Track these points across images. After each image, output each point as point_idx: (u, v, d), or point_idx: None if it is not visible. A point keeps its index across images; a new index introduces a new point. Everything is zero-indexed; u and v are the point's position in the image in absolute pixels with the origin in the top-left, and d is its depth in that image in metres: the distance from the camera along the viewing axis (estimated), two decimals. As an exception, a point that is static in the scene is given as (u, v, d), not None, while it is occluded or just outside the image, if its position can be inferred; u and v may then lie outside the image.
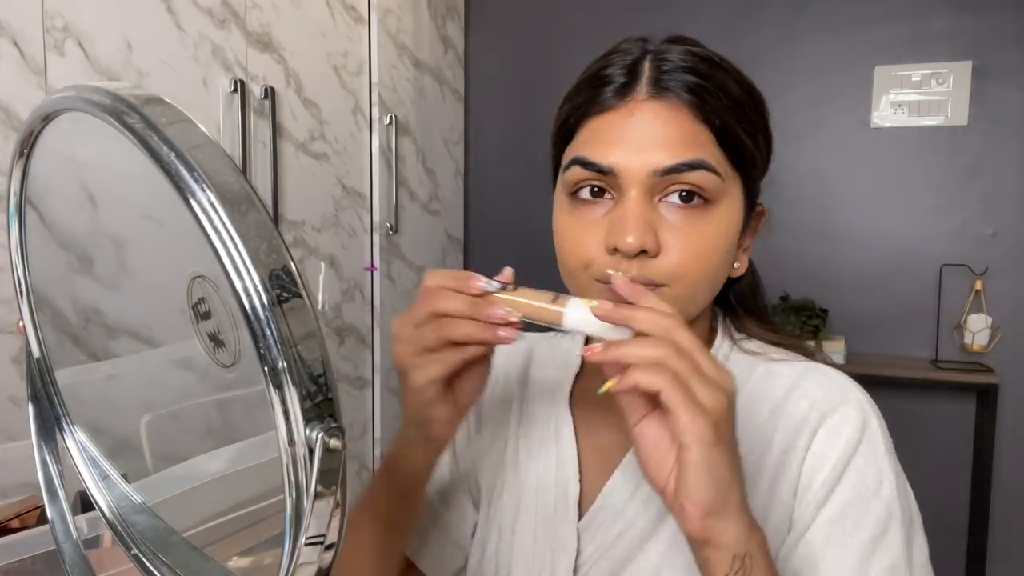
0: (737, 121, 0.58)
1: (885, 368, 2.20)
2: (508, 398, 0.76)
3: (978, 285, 2.27)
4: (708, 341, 0.69)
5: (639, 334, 0.48)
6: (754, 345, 0.69)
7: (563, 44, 2.61)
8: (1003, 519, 2.26)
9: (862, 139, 2.38)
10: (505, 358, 0.79)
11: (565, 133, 0.63)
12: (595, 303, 0.50)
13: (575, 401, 0.72)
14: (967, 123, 2.28)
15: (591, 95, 0.59)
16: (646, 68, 0.58)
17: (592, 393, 0.71)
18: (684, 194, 0.57)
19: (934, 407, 2.33)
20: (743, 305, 0.71)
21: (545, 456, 0.70)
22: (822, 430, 0.61)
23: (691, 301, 0.60)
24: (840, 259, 2.41)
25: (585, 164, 0.58)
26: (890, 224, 2.37)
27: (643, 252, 0.56)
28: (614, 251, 0.57)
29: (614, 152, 0.57)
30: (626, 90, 0.58)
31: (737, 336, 0.70)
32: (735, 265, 0.64)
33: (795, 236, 2.41)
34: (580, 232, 0.59)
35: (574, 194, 0.60)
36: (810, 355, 0.69)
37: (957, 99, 2.28)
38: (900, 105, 2.34)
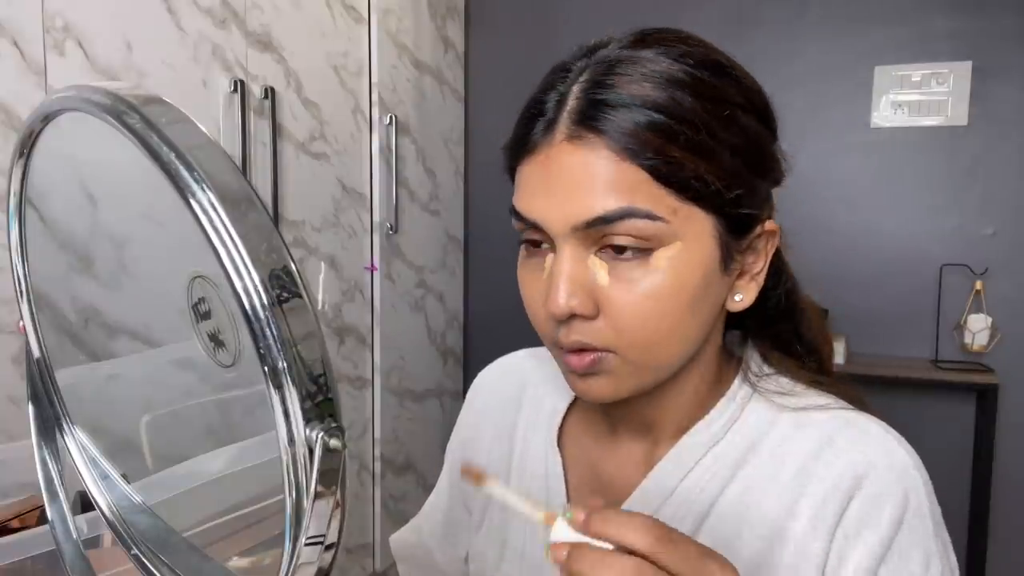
0: (685, 148, 0.48)
1: (885, 368, 2.20)
2: (505, 422, 0.72)
3: (978, 285, 2.26)
4: (719, 384, 0.60)
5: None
6: (782, 383, 0.60)
7: (563, 44, 2.60)
8: (1003, 519, 2.26)
9: (862, 139, 2.38)
10: (499, 377, 0.76)
11: (511, 172, 0.56)
12: (570, 515, 0.41)
13: (565, 434, 0.67)
14: (967, 123, 2.27)
15: (521, 132, 0.53)
16: (570, 101, 0.50)
17: (583, 426, 0.66)
18: (617, 249, 0.49)
19: (934, 407, 2.33)
20: (771, 336, 0.63)
21: (534, 493, 0.66)
22: (856, 502, 0.52)
23: (650, 366, 0.52)
24: (840, 259, 2.41)
25: (517, 216, 0.53)
26: (890, 224, 2.37)
27: (576, 315, 0.50)
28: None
29: (537, 203, 0.51)
30: (550, 128, 0.51)
31: (765, 373, 0.60)
32: (736, 298, 0.55)
33: (795, 236, 2.40)
34: (530, 291, 0.54)
35: (523, 242, 0.55)
36: (854, 402, 0.59)
37: (957, 99, 2.28)
38: (900, 105, 2.34)
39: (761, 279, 0.56)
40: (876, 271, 2.38)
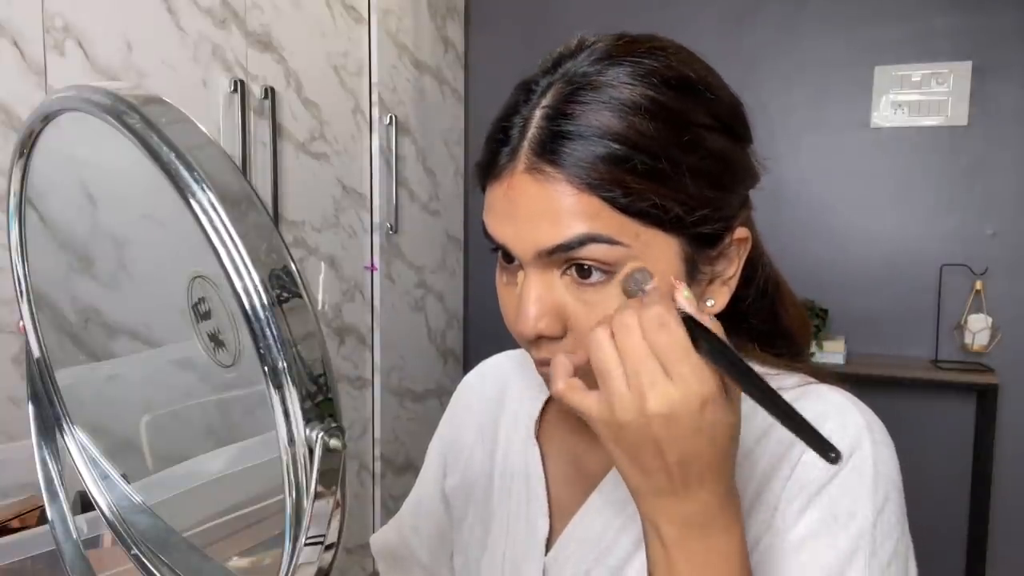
0: (644, 177, 0.49)
1: (885, 368, 2.20)
2: (487, 421, 0.74)
3: (978, 285, 2.26)
4: None
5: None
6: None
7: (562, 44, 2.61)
8: (1003, 519, 2.26)
9: (862, 139, 2.38)
10: (482, 379, 0.78)
11: (482, 187, 0.57)
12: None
13: (544, 430, 0.68)
14: (967, 123, 2.28)
15: (487, 156, 0.55)
16: (531, 129, 0.51)
17: (561, 420, 0.68)
18: (580, 271, 0.50)
19: (934, 407, 2.33)
20: (746, 331, 0.63)
21: (515, 491, 0.67)
22: (807, 454, 0.54)
23: None
24: (840, 259, 2.41)
25: (487, 236, 0.54)
26: (890, 224, 2.37)
27: (543, 335, 0.52)
28: None
29: (503, 228, 0.52)
30: (513, 156, 0.52)
31: None
32: (708, 304, 0.56)
33: (795, 236, 2.41)
34: (504, 301, 0.56)
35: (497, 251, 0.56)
36: (818, 375, 0.61)
37: (957, 99, 2.28)
38: (900, 105, 2.34)
39: (733, 283, 0.57)
40: (876, 271, 2.38)
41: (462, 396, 0.79)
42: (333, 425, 0.29)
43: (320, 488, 0.29)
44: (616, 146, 0.49)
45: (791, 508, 0.54)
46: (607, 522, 0.60)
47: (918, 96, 2.31)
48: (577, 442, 0.65)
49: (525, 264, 0.51)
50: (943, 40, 2.28)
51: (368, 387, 2.16)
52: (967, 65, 2.26)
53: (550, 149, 0.50)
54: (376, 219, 2.14)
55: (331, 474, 0.29)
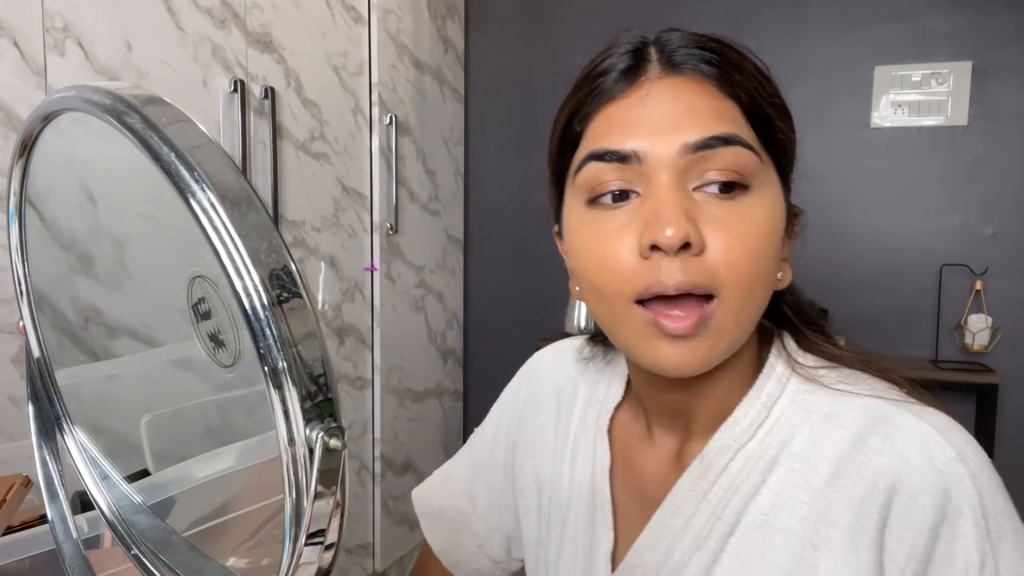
0: (763, 97, 0.51)
1: (885, 368, 2.20)
2: (565, 404, 0.69)
3: (978, 285, 2.26)
4: (755, 370, 0.58)
5: None
6: (811, 362, 0.57)
7: (563, 44, 2.61)
8: (1003, 519, 2.26)
9: (862, 139, 2.38)
10: (556, 355, 0.73)
11: (570, 139, 0.54)
12: None
13: (614, 432, 0.64)
14: (967, 123, 2.28)
15: (593, 89, 0.52)
16: (652, 51, 0.52)
17: (630, 423, 0.63)
18: (722, 185, 0.48)
19: (934, 407, 2.33)
20: (802, 318, 0.59)
21: (578, 498, 0.63)
22: (895, 507, 0.48)
23: (746, 315, 0.50)
24: (840, 259, 2.41)
25: (602, 156, 0.50)
26: (890, 224, 2.37)
27: (686, 247, 0.47)
28: (651, 251, 0.48)
29: (634, 136, 0.49)
30: (636, 73, 0.51)
31: (800, 358, 0.57)
32: (778, 276, 0.54)
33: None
34: (606, 243, 0.50)
35: (593, 201, 0.51)
36: (892, 380, 0.55)
37: (957, 99, 2.28)
38: (900, 105, 2.34)
39: (790, 262, 0.56)
40: (876, 271, 2.38)
41: (540, 367, 0.74)
42: (333, 425, 0.29)
43: (320, 488, 0.29)
44: (751, 66, 0.51)
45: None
46: (672, 541, 0.56)
47: (918, 96, 2.31)
48: (637, 448, 0.62)
49: (659, 174, 0.48)
50: (943, 40, 2.28)
51: (368, 387, 2.16)
52: (967, 65, 2.26)
53: (690, 56, 0.50)
54: (376, 219, 2.14)
55: (331, 474, 0.29)
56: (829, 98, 2.41)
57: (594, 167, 0.51)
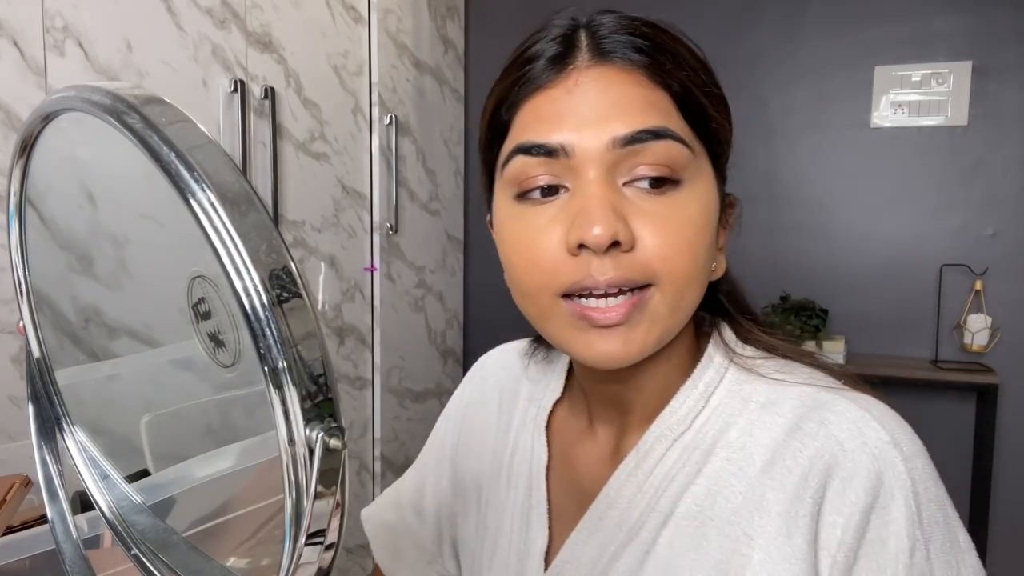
0: (696, 86, 0.49)
1: (885, 368, 2.20)
2: (507, 402, 0.70)
3: (978, 285, 2.26)
4: (692, 360, 0.57)
5: None
6: (749, 352, 0.57)
7: (563, 44, 2.61)
8: (1003, 519, 2.26)
9: (862, 139, 2.38)
10: (502, 355, 0.73)
11: (497, 128, 0.52)
12: None
13: (552, 429, 0.64)
14: (967, 123, 2.28)
15: (520, 77, 0.50)
16: (581, 36, 0.49)
17: (569, 419, 0.63)
18: (652, 180, 0.47)
19: (934, 407, 2.33)
20: (738, 307, 0.59)
21: (514, 497, 0.63)
22: (830, 492, 0.47)
23: (681, 306, 0.50)
24: (840, 259, 2.41)
25: (529, 149, 0.48)
26: (890, 224, 2.37)
27: (615, 245, 0.46)
28: (579, 249, 0.47)
29: (561, 129, 0.47)
30: (564, 60, 0.49)
31: (738, 348, 0.57)
32: (712, 266, 0.53)
33: (795, 236, 2.41)
34: (533, 238, 0.49)
35: (522, 196, 0.50)
36: (828, 370, 0.55)
37: (957, 99, 2.28)
38: (900, 105, 2.34)
39: (725, 252, 0.56)
40: (876, 271, 2.38)
41: (486, 369, 0.74)
42: (333, 425, 0.29)
43: (320, 488, 0.29)
44: (685, 52, 0.49)
45: (837, 558, 0.46)
46: (609, 534, 0.55)
47: (918, 96, 2.31)
48: (577, 443, 0.62)
49: (587, 168, 0.47)
50: (943, 40, 2.28)
51: (368, 387, 2.16)
52: (967, 65, 2.26)
53: (620, 44, 0.48)
54: (376, 219, 2.14)
55: (331, 474, 0.29)
56: (829, 98, 2.41)
57: (521, 161, 0.49)
